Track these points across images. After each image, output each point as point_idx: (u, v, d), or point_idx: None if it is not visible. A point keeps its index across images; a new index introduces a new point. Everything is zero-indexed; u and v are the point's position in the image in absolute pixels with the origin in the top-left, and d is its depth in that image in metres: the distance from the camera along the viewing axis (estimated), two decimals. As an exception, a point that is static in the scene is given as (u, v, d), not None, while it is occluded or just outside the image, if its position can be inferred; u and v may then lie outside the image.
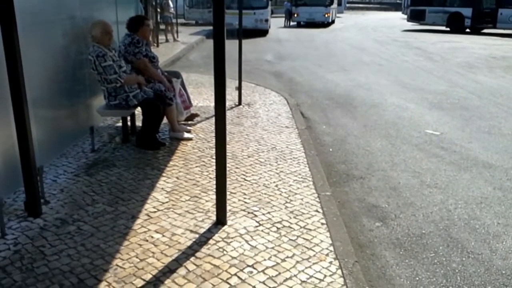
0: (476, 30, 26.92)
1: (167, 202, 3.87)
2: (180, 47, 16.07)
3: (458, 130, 6.74)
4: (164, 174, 4.48)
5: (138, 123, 5.80)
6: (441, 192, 4.59)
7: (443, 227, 3.88)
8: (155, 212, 3.69)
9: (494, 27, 25.94)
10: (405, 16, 33.34)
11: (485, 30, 26.83)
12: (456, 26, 27.07)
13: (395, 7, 55.38)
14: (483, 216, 4.08)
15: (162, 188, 4.15)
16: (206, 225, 3.50)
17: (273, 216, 3.68)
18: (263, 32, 22.85)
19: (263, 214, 3.71)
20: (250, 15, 20.45)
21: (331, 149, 5.81)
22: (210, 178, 4.41)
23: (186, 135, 5.59)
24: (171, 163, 4.79)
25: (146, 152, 5.07)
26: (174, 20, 18.63)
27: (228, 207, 3.64)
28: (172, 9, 18.32)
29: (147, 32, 5.53)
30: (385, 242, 3.65)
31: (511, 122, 7.13)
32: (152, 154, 5.03)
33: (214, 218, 3.57)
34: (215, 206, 3.60)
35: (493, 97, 8.97)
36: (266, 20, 22.02)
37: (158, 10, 17.60)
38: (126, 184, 4.21)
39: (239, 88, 7.46)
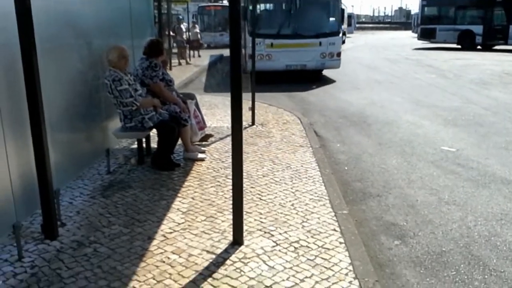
0: (487, 47, 26.87)
1: (183, 222, 3.86)
2: (193, 70, 16.25)
3: (474, 146, 6.66)
4: (179, 195, 4.48)
5: (153, 144, 5.83)
6: (459, 209, 4.52)
7: (464, 244, 3.81)
8: (171, 233, 3.68)
9: (506, 44, 25.88)
10: (415, 35, 33.49)
11: (497, 47, 26.77)
12: (467, 43, 27.06)
13: (405, 26, 55.62)
14: (503, 233, 4.00)
15: (178, 209, 4.14)
16: (223, 245, 3.48)
17: (290, 236, 3.64)
18: (316, 74, 14.54)
19: (280, 233, 3.68)
20: (312, 47, 13.02)
21: (346, 167, 5.77)
22: (226, 198, 4.40)
23: (200, 155, 5.61)
24: (186, 183, 4.80)
25: (161, 173, 5.09)
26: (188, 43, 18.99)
27: (245, 227, 3.61)
28: (185, 34, 18.62)
29: (163, 59, 5.66)
30: (405, 260, 3.58)
31: (528, 138, 7.04)
32: (167, 175, 5.05)
33: (230, 238, 3.55)
34: (231, 226, 3.58)
35: (508, 113, 8.88)
36: (339, 54, 13.44)
37: (172, 33, 17.90)
38: (142, 205, 4.22)
39: (252, 108, 7.50)
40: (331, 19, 13.82)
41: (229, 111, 8.46)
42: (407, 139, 7.06)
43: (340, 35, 13.72)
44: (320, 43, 13.05)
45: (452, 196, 4.84)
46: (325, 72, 14.90)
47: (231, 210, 3.69)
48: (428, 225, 4.18)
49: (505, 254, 3.64)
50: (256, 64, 11.46)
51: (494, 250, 3.70)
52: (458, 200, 4.73)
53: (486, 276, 3.34)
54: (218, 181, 4.87)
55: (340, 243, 3.57)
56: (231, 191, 4.38)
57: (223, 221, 3.89)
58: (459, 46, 27.39)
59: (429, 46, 29.45)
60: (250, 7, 13.28)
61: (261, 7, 14.32)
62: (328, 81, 13.81)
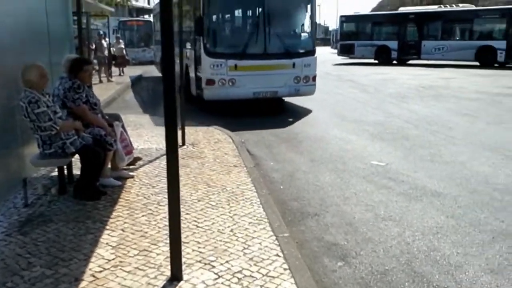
0: (402, 61, 28.49)
1: (113, 259, 3.52)
2: (115, 88, 15.62)
3: (402, 159, 6.85)
4: (107, 227, 4.11)
5: (76, 171, 5.37)
6: (396, 224, 4.55)
7: (405, 261, 3.80)
8: (101, 271, 3.32)
9: (419, 58, 27.59)
10: (335, 51, 34.81)
11: (411, 61, 28.44)
12: (383, 58, 28.54)
13: (324, 42, 57.63)
14: (441, 246, 4.05)
15: (107, 243, 3.78)
16: (160, 282, 3.19)
17: (232, 266, 3.43)
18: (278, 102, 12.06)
19: (221, 264, 3.45)
20: (284, 69, 10.48)
21: (281, 186, 5.67)
22: (159, 227, 4.10)
23: (113, 181, 5.23)
24: (114, 213, 4.43)
25: (86, 203, 4.66)
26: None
27: (182, 259, 3.34)
28: (106, 50, 17.90)
29: (86, 76, 5.20)
30: (350, 283, 3.49)
31: (450, 150, 7.36)
32: (93, 205, 4.63)
33: (168, 273, 3.26)
34: (168, 259, 3.30)
35: (428, 126, 9.30)
36: (314, 78, 11.04)
37: (92, 48, 17.13)
38: (66, 242, 3.80)
39: (182, 128, 7.23)
40: (305, 35, 11.38)
41: (156, 131, 8.20)
42: (338, 155, 7.12)
43: (316, 54, 11.12)
44: (294, 65, 10.50)
45: (387, 211, 4.88)
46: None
47: (167, 242, 3.43)
48: (368, 243, 4.15)
49: (445, 268, 3.67)
50: (216, 91, 10.10)
51: (435, 265, 3.72)
52: (393, 215, 4.77)
53: (431, 294, 3.32)
54: (150, 209, 4.55)
55: (285, 269, 3.41)
56: (164, 219, 4.18)
57: (158, 254, 3.59)
58: (376, 61, 28.80)
59: (348, 61, 30.68)
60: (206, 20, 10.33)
61: (220, 19, 11.49)
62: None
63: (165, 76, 2.99)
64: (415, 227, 4.45)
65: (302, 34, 11.41)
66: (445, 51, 26.22)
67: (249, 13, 11.46)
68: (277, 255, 3.64)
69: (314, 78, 10.94)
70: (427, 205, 5.03)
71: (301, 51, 10.88)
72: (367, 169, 6.35)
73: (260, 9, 10.55)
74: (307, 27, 11.32)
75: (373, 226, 4.50)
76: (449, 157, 6.93)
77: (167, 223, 3.96)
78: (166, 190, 3.16)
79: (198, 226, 4.14)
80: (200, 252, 3.64)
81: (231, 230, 4.07)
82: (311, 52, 10.98)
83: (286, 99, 12.20)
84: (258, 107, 11.14)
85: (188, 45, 11.89)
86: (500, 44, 24.40)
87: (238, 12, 11.93)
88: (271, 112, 11.11)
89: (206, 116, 10.00)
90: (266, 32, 10.37)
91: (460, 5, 28.92)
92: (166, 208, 4.38)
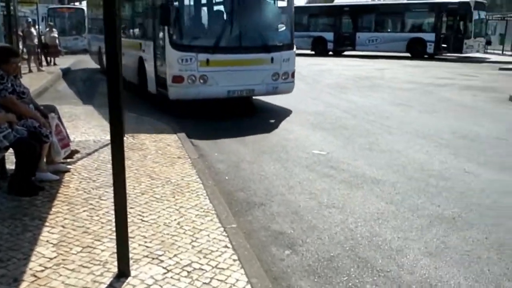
0: (338, 53, 29.23)
1: (55, 257, 3.35)
2: (47, 77, 14.87)
3: (342, 148, 7.04)
4: (47, 224, 3.91)
5: (9, 166, 5.07)
6: (339, 211, 4.67)
7: (349, 247, 3.91)
8: (42, 271, 3.16)
9: (353, 49, 28.41)
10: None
11: (346, 52, 29.24)
12: (320, 49, 29.16)
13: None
14: (382, 232, 4.21)
15: (47, 241, 3.60)
16: (107, 279, 3.08)
17: (181, 259, 3.38)
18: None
19: (170, 258, 3.39)
20: (261, 65, 9.26)
21: (227, 177, 5.66)
22: (102, 223, 3.95)
23: (51, 176, 5.00)
24: (53, 209, 4.22)
25: (22, 199, 4.41)
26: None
27: (129, 255, 3.25)
28: (36, 38, 16.96)
29: (11, 68, 4.86)
30: (298, 270, 3.55)
31: (386, 139, 7.66)
32: (29, 201, 4.39)
33: (114, 269, 3.16)
34: (114, 255, 3.21)
35: (366, 115, 9.62)
36: (293, 75, 9.89)
37: (20, 36, 16.17)
38: (2, 241, 3.58)
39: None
40: (283, 26, 10.04)
41: (93, 123, 7.90)
42: (281, 145, 7.20)
43: (294, 48, 9.95)
44: (272, 60, 9.23)
45: (330, 199, 5.00)
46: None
47: (111, 237, 3.33)
48: (313, 230, 4.24)
49: (387, 253, 3.82)
50: (185, 90, 8.69)
51: (378, 250, 3.86)
52: (336, 202, 4.90)
53: (375, 278, 3.45)
54: (91, 204, 4.38)
55: (234, 260, 3.41)
56: (107, 214, 4.06)
57: (103, 251, 3.47)
58: (313, 52, 29.35)
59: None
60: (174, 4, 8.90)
61: (189, 7, 9.95)
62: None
63: (109, 65, 2.86)
64: (357, 214, 4.60)
65: (280, 26, 10.05)
66: (378, 42, 27.20)
67: (222, 0, 10.02)
68: (226, 246, 3.62)
69: (293, 75, 9.79)
70: (368, 192, 5.21)
71: (279, 44, 9.58)
72: (309, 159, 6.46)
73: None
74: (285, 18, 10.14)
75: (318, 214, 4.60)
76: (386, 145, 7.20)
77: (110, 218, 3.89)
78: (107, 184, 3.05)
79: (143, 220, 4.04)
80: (147, 246, 3.56)
81: (178, 223, 4.01)
82: (290, 46, 9.76)
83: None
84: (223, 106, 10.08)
85: (144, 35, 10.70)
86: (430, 37, 25.68)
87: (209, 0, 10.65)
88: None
89: (165, 118, 8.70)
90: (241, 23, 9.07)
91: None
92: (108, 203, 4.29)
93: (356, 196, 5.10)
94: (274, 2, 10.19)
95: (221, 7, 9.93)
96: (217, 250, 3.55)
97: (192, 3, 10.07)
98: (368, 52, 27.77)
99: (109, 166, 3.24)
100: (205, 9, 10.62)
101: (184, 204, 4.44)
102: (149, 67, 10.08)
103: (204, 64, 8.67)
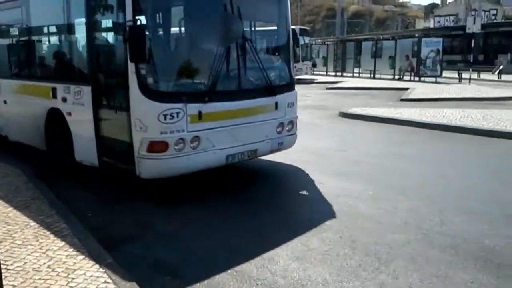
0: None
1: None
2: None
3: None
4: None
5: None
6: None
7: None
8: None
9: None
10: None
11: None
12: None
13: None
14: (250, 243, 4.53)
15: None
16: (-22, 337, 2.82)
17: (60, 302, 3.24)
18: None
19: (47, 302, 3.23)
20: (265, 113, 6.46)
21: (90, 214, 5.45)
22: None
23: None
24: None
25: None
26: None
27: (0, 307, 3.00)
28: None
29: None
30: (182, 293, 3.66)
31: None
32: None
33: (-14, 326, 2.90)
34: (-18, 311, 2.93)
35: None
36: (296, 123, 7.08)
37: None
38: None
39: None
40: (283, 58, 7.30)
41: None
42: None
43: (296, 90, 7.09)
44: (277, 105, 6.56)
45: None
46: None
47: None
48: (192, 255, 4.37)
49: (260, 263, 4.13)
50: (169, 162, 5.49)
51: (252, 261, 4.15)
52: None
53: (253, 287, 3.71)
54: None
55: (118, 294, 3.38)
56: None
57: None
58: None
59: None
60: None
61: (165, 31, 6.41)
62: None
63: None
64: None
65: (280, 58, 7.39)
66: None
67: (211, 26, 6.20)
68: (105, 282, 3.56)
69: (296, 124, 7.04)
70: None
71: (283, 83, 6.91)
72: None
73: (228, 19, 5.96)
74: (285, 47, 7.20)
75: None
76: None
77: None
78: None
79: (8, 269, 3.74)
80: (19, 296, 3.33)
81: (49, 267, 3.80)
82: (292, 85, 7.03)
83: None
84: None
85: (66, 75, 6.92)
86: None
87: (193, 23, 6.40)
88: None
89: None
90: (239, 55, 6.09)
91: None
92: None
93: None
94: (275, 26, 7.24)
95: (211, 35, 6.16)
96: (97, 287, 3.47)
97: (172, 26, 6.54)
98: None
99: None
100: (188, 36, 6.61)
101: (50, 247, 4.21)
102: (80, 125, 6.46)
103: (195, 120, 5.62)
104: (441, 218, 5.14)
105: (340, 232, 4.79)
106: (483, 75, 29.15)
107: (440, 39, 27.93)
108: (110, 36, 6.31)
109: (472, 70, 26.20)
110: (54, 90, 6.81)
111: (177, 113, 5.45)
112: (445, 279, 3.83)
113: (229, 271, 3.97)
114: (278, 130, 6.67)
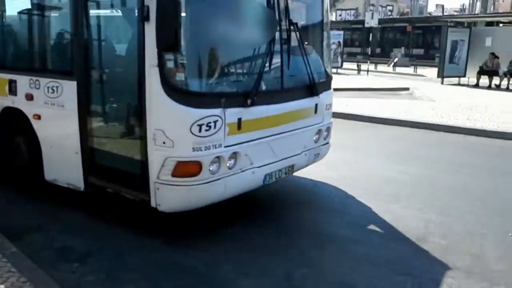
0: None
1: None
2: None
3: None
4: None
5: None
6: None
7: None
8: None
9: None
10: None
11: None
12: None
13: None
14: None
15: None
16: None
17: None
18: None
19: None
20: (304, 119, 5.18)
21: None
22: None
23: None
24: None
25: None
26: None
27: None
28: None
29: None
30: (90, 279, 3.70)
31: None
32: None
33: None
34: None
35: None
36: (331, 129, 5.82)
37: None
38: None
39: None
40: (321, 50, 5.91)
41: None
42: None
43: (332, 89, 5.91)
44: (316, 108, 5.38)
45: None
46: None
47: None
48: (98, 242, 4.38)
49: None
50: (201, 189, 4.10)
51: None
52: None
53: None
54: None
55: (24, 282, 3.35)
56: None
57: None
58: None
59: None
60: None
61: (199, 24, 4.27)
62: None
63: None
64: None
65: (317, 50, 5.86)
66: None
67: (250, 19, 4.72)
68: (9, 271, 3.50)
69: (330, 130, 5.88)
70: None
71: (322, 80, 5.55)
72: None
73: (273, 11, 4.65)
74: (324, 39, 6.00)
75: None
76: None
77: None
78: None
79: None
80: None
81: None
82: (329, 83, 5.80)
83: None
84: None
85: (34, 63, 5.32)
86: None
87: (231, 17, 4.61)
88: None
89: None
90: (282, 47, 4.80)
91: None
92: None
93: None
94: (314, 18, 5.98)
95: (254, 23, 4.68)
96: (1, 276, 3.40)
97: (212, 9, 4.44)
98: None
99: None
100: (229, 21, 4.60)
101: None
102: (55, 132, 5.00)
103: (234, 130, 4.29)
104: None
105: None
106: (380, 67, 31.22)
107: (341, 32, 29.31)
108: (110, 12, 4.83)
109: (370, 62, 28.02)
110: (12, 83, 5.15)
111: (215, 122, 4.07)
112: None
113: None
114: (315, 139, 5.48)
